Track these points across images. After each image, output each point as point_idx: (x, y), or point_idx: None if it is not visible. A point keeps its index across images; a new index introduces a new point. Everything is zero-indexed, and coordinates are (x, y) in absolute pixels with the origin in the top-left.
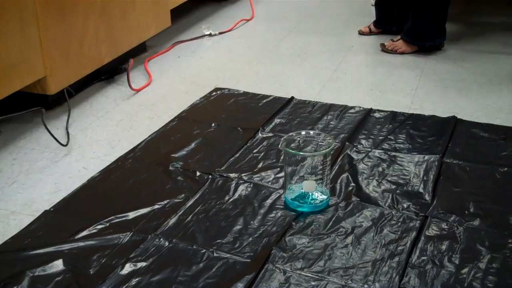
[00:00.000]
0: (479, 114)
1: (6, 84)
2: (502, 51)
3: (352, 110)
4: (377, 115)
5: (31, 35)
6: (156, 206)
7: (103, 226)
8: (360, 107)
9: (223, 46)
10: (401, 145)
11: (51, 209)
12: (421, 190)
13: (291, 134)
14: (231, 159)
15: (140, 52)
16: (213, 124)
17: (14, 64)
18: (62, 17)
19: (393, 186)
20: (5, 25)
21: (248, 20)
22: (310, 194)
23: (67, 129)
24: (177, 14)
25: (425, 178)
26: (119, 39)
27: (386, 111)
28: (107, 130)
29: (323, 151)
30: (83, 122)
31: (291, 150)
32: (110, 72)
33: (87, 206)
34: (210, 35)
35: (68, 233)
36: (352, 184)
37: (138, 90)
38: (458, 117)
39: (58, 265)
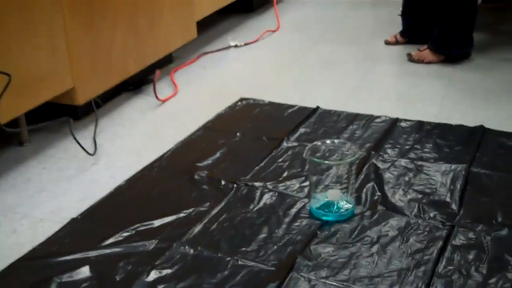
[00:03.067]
0: (507, 124)
1: (36, 94)
2: None
3: (378, 120)
4: (403, 124)
5: (59, 46)
6: (182, 214)
7: (129, 233)
8: (386, 116)
9: (249, 57)
10: (428, 155)
11: (79, 217)
12: (448, 199)
13: (316, 143)
14: (256, 168)
15: (166, 63)
16: (238, 134)
17: (43, 75)
18: (90, 29)
19: (420, 195)
20: (34, 36)
21: (273, 31)
22: (335, 203)
23: (94, 138)
24: (203, 25)
25: (452, 188)
26: (146, 50)
27: (413, 121)
28: (134, 139)
29: (348, 159)
30: (110, 132)
31: (316, 159)
32: (137, 83)
33: (114, 214)
34: (236, 46)
35: (95, 241)
36: (378, 193)
37: (164, 101)
38: (486, 126)
39: (84, 272)
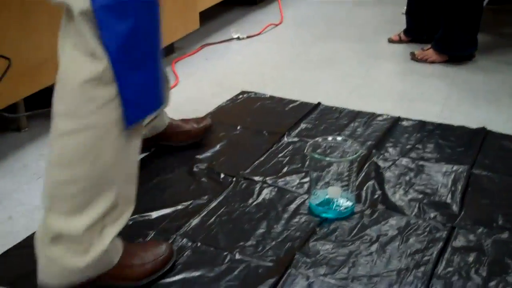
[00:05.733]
0: (509, 126)
1: (35, 80)
2: None
3: (379, 118)
4: (405, 123)
5: None
6: (179, 207)
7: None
8: (388, 115)
9: (251, 50)
10: (429, 155)
11: None
12: (448, 200)
13: (317, 139)
14: (256, 162)
15: (168, 53)
16: (238, 127)
17: (43, 60)
18: None
19: (420, 195)
20: (35, 21)
21: (276, 25)
22: (335, 200)
23: None
24: (206, 17)
25: (453, 189)
26: None
27: (415, 120)
28: None
29: (350, 157)
30: None
31: (317, 156)
32: None
33: None
34: (238, 38)
35: None
36: (378, 192)
37: None
38: (488, 128)
39: None
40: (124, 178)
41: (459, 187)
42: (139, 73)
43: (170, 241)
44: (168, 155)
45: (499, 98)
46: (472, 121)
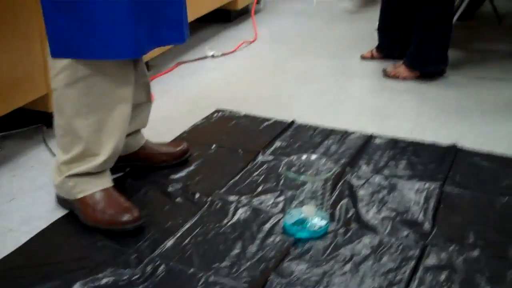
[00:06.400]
0: (481, 142)
1: (9, 100)
2: (504, 78)
3: (353, 136)
4: (377, 141)
5: (34, 52)
6: (154, 228)
7: (101, 243)
8: (361, 132)
9: (225, 68)
10: (402, 172)
11: (50, 227)
12: (421, 218)
13: (291, 158)
14: (231, 182)
15: None
16: (213, 146)
17: (17, 80)
18: None
19: (393, 214)
20: (9, 42)
21: (251, 42)
22: (310, 219)
23: None
24: None
25: (425, 206)
26: None
27: (387, 138)
28: None
29: (324, 176)
30: None
31: (291, 174)
32: None
33: (85, 225)
34: (213, 56)
35: (67, 252)
36: (352, 210)
37: None
38: (459, 144)
39: (55, 284)
40: (92, 134)
41: (431, 205)
42: (65, 17)
43: (144, 262)
44: (143, 175)
45: (470, 114)
46: (444, 137)
